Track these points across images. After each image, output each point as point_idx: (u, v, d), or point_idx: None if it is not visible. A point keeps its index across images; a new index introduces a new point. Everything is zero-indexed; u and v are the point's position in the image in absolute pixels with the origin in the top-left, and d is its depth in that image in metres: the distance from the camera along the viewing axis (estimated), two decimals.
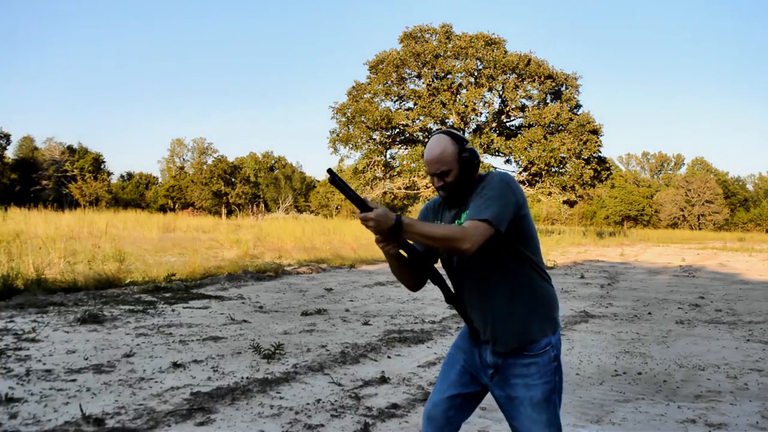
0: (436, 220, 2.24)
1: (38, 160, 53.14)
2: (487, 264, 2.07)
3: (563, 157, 29.64)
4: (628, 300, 9.15)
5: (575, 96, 31.84)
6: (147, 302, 7.56)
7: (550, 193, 30.11)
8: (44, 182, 51.76)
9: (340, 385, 4.24)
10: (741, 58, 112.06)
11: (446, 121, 31.65)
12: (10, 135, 51.29)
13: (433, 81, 31.17)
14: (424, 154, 2.15)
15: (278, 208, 42.34)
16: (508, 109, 31.70)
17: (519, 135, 30.65)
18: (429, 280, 2.26)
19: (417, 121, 31.62)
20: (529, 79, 30.77)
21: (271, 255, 14.61)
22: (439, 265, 2.27)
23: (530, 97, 31.40)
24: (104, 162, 57.25)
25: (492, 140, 30.24)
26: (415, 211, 48.80)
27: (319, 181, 68.20)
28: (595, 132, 30.38)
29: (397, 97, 32.33)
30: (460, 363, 2.22)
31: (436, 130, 2.19)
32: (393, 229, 1.89)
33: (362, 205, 1.92)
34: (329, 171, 1.95)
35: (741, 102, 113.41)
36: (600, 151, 31.34)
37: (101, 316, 6.28)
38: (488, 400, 4.02)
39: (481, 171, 2.16)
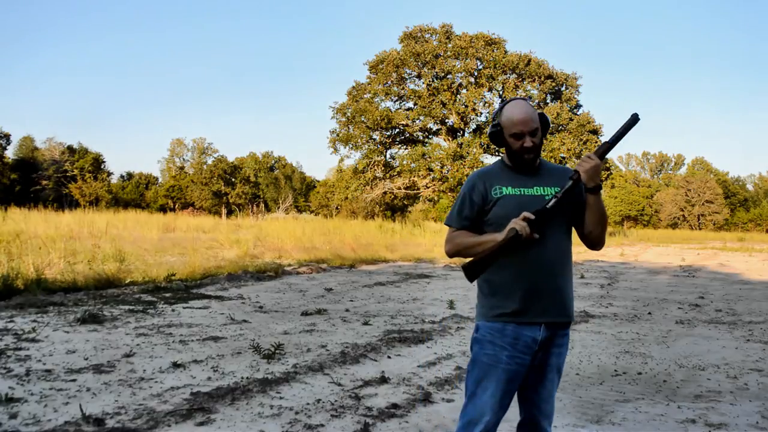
0: (502, 186, 2.26)
1: (38, 160, 53.10)
2: (566, 241, 2.29)
3: (563, 157, 29.63)
4: (628, 300, 9.15)
5: (575, 96, 31.85)
6: (147, 302, 7.56)
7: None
8: (44, 182, 51.73)
9: (340, 385, 4.24)
10: (741, 58, 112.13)
11: (446, 121, 31.65)
12: (10, 135, 51.29)
13: (433, 81, 31.16)
14: (508, 117, 2.21)
15: (278, 208, 42.34)
16: None
17: None
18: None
19: (417, 121, 31.61)
20: (529, 79, 30.77)
21: (271, 255, 14.60)
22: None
23: (530, 97, 31.38)
24: (104, 162, 57.20)
25: None
26: (415, 211, 48.70)
27: (319, 181, 68.16)
28: (595, 132, 30.39)
29: (397, 97, 32.32)
30: (510, 370, 2.18)
31: (503, 102, 2.36)
32: (596, 188, 2.19)
33: (607, 150, 2.19)
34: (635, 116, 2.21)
35: (741, 102, 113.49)
36: None
37: (101, 316, 6.28)
38: None
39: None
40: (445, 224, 2.39)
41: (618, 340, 6.12)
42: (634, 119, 2.19)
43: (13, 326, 5.75)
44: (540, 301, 2.18)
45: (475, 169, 26.01)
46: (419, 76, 31.65)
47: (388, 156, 32.96)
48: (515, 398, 2.29)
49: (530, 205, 2.18)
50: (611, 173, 36.97)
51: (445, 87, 30.61)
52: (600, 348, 5.69)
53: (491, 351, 2.20)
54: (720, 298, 9.52)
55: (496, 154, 31.34)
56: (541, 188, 2.24)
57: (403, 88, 31.88)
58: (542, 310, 2.18)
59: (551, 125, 29.40)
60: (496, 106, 31.66)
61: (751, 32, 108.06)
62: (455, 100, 30.54)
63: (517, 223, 2.09)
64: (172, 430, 3.30)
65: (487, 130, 2.63)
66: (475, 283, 2.35)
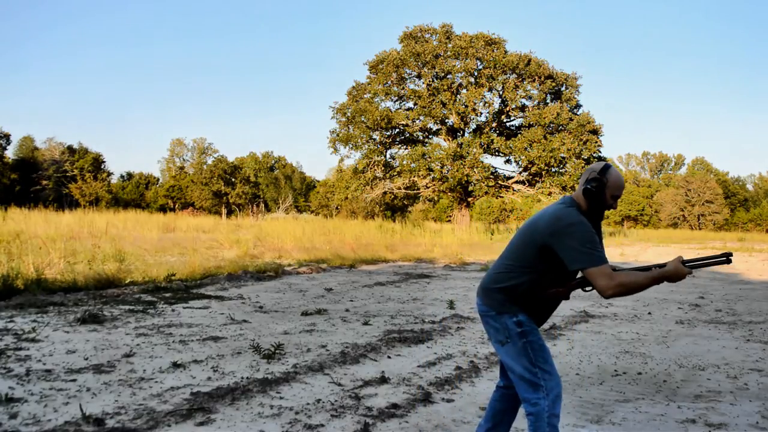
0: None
1: (38, 160, 53.09)
2: None
3: (563, 157, 29.60)
4: (628, 300, 9.15)
5: (575, 96, 31.79)
6: (147, 302, 7.56)
7: (550, 193, 30.07)
8: (44, 182, 51.73)
9: (340, 385, 4.24)
10: (741, 58, 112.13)
11: (446, 121, 31.64)
12: (10, 135, 51.27)
13: (433, 81, 31.13)
14: (619, 180, 2.67)
15: (278, 208, 42.35)
16: (508, 109, 31.67)
17: (519, 135, 30.60)
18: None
19: (417, 121, 31.58)
20: (529, 79, 30.73)
21: (271, 255, 14.61)
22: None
23: (530, 97, 31.33)
24: (104, 162, 57.18)
25: (492, 140, 30.22)
26: (415, 211, 48.70)
27: (319, 181, 68.14)
28: (595, 132, 30.34)
29: (397, 97, 32.27)
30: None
31: (606, 164, 2.73)
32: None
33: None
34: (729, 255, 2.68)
35: (741, 102, 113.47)
36: (600, 151, 31.30)
37: (101, 316, 6.28)
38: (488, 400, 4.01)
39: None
40: (595, 265, 2.53)
41: (618, 340, 6.12)
42: (727, 259, 2.65)
43: (13, 326, 5.75)
44: (544, 318, 2.80)
45: (475, 169, 25.56)
46: (419, 76, 31.61)
47: (388, 156, 32.91)
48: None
49: None
50: None
51: (445, 87, 30.57)
52: (600, 348, 5.69)
53: (539, 334, 2.68)
54: (720, 298, 9.52)
55: (497, 154, 31.34)
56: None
57: (403, 88, 31.84)
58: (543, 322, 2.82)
59: (552, 125, 29.63)
60: (496, 106, 31.74)
61: (752, 32, 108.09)
62: (455, 100, 30.50)
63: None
64: (172, 430, 3.30)
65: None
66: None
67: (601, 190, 2.63)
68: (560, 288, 2.65)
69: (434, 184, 31.19)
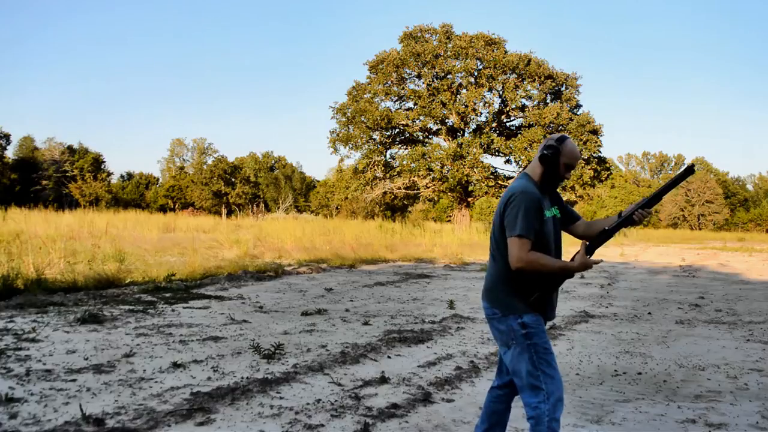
0: (547, 208, 2.72)
1: (38, 160, 53.07)
2: None
3: None
4: (628, 300, 9.15)
5: (575, 96, 31.77)
6: (147, 302, 7.56)
7: None
8: (44, 182, 51.70)
9: (340, 385, 4.24)
10: (741, 58, 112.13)
11: (446, 121, 31.64)
12: (10, 135, 51.21)
13: (433, 81, 31.12)
14: (572, 151, 2.72)
15: (278, 208, 42.35)
16: (508, 109, 31.65)
17: (519, 135, 30.58)
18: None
19: (417, 121, 31.57)
20: (529, 79, 30.71)
21: (271, 255, 14.61)
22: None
23: (530, 97, 31.31)
24: (104, 162, 57.15)
25: (492, 140, 30.20)
26: (415, 212, 48.61)
27: (319, 181, 68.15)
28: (595, 132, 30.32)
29: (397, 97, 32.26)
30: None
31: (564, 135, 2.80)
32: None
33: (657, 200, 2.75)
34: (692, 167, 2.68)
35: (741, 102, 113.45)
36: (600, 151, 31.30)
37: (101, 316, 6.28)
38: None
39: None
40: (517, 234, 2.59)
41: (618, 340, 6.12)
42: (688, 170, 2.64)
43: (13, 326, 5.75)
44: (553, 305, 2.81)
45: (475, 169, 25.50)
46: (419, 76, 31.60)
47: (388, 156, 32.90)
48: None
49: (557, 224, 2.80)
50: (611, 173, 36.89)
51: (445, 87, 30.56)
52: (600, 348, 5.69)
53: (545, 337, 2.66)
54: (720, 298, 9.52)
55: (497, 154, 31.33)
56: (554, 209, 2.79)
57: (403, 88, 31.83)
58: (551, 310, 2.81)
59: (552, 125, 29.63)
60: (496, 106, 31.75)
61: (752, 32, 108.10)
62: (455, 100, 30.50)
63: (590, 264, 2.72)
64: (172, 430, 3.30)
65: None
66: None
67: (556, 157, 2.70)
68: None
69: (434, 184, 31.18)
